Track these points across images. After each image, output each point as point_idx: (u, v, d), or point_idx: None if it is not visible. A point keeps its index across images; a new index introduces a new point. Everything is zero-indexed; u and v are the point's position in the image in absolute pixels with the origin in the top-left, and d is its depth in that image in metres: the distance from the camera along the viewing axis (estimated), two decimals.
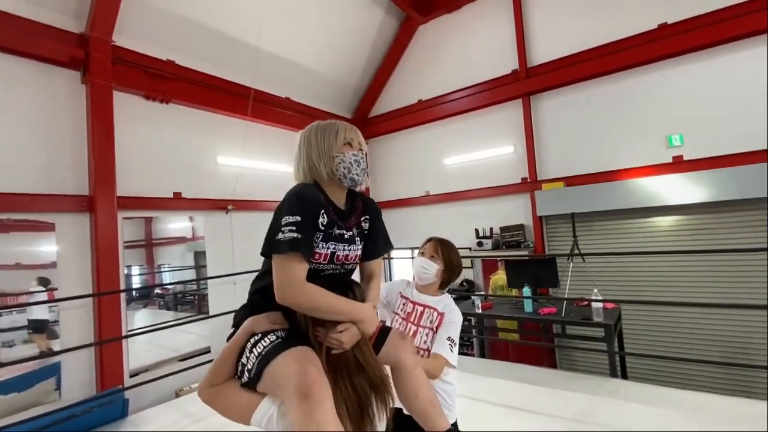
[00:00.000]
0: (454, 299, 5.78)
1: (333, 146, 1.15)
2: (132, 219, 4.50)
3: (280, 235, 0.99)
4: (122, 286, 4.25)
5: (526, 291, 4.04)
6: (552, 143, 5.49)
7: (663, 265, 4.62)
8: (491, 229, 5.84)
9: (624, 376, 4.00)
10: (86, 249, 4.03)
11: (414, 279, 1.77)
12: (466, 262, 6.14)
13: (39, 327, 3.76)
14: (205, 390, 1.03)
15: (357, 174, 1.14)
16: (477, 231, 5.88)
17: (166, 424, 2.98)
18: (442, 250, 1.73)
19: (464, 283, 6.12)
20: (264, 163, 5.95)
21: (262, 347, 0.99)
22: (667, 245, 4.58)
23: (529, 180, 5.59)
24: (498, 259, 5.37)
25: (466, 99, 6.15)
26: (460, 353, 5.69)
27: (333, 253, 1.12)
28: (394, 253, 7.35)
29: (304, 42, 5.96)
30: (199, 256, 5.22)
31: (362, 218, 1.24)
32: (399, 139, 7.24)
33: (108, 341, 3.90)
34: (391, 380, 1.11)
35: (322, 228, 1.09)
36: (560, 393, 3.05)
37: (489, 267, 5.83)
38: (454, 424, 1.57)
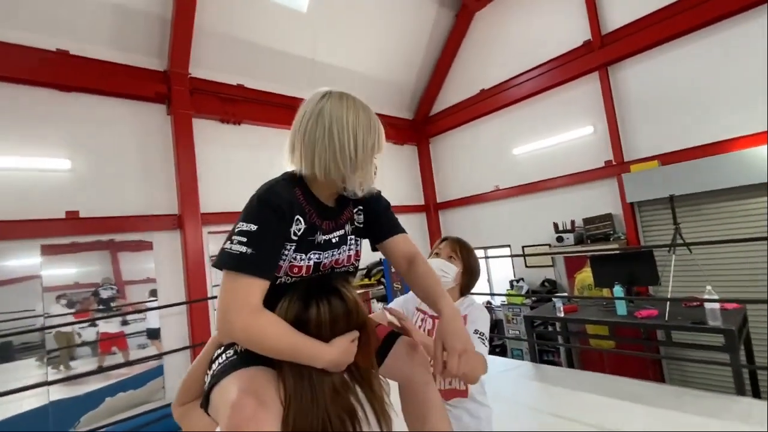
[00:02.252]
0: (535, 301, 5.32)
1: (370, 154, 0.92)
2: (217, 233, 4.94)
3: (228, 245, 0.80)
4: (210, 295, 4.67)
5: (617, 291, 3.50)
6: (639, 117, 4.73)
7: None
8: (572, 221, 5.24)
9: (756, 395, 3.23)
10: (179, 262, 4.50)
11: None
12: (546, 260, 5.61)
13: (153, 333, 4.30)
14: (176, 408, 0.92)
15: (367, 188, 0.95)
16: (556, 225, 5.32)
17: None
18: (461, 249, 1.50)
19: (545, 283, 5.59)
20: None
21: (218, 364, 0.84)
22: None
23: (614, 162, 4.89)
24: (583, 255, 4.78)
25: (533, 81, 5.63)
26: (543, 361, 5.21)
27: (318, 264, 0.92)
28: None
29: (358, 49, 6.02)
30: None
31: (355, 210, 1.03)
32: (462, 134, 6.92)
33: (198, 345, 4.30)
34: (388, 402, 0.90)
35: (296, 237, 0.87)
36: (667, 413, 2.54)
37: (574, 265, 5.23)
38: None
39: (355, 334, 0.88)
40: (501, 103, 6.06)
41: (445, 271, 1.44)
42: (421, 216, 7.48)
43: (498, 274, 6.60)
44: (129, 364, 3.97)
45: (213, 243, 4.86)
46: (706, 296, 2.94)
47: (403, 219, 5.23)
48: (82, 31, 4.01)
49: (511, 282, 6.05)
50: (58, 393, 3.61)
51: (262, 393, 0.73)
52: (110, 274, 4.11)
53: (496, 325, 5.95)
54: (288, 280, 0.90)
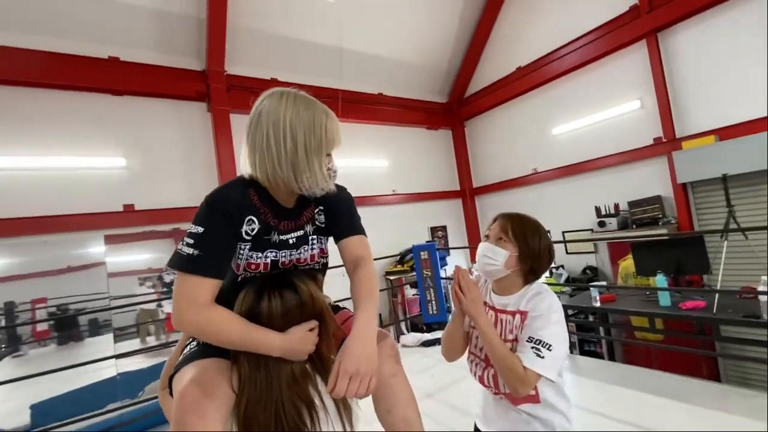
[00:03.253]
0: (574, 289, 5.07)
1: (316, 155, 0.89)
2: None
3: (179, 246, 0.85)
4: None
5: (660, 280, 3.25)
6: (693, 88, 4.26)
7: None
8: (616, 205, 4.89)
9: None
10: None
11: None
12: (588, 246, 5.32)
13: None
14: (159, 391, 0.96)
15: (322, 189, 0.93)
16: (598, 209, 5.00)
17: None
18: (514, 228, 1.21)
19: (587, 271, 5.31)
20: (362, 160, 6.18)
21: (182, 354, 0.89)
22: None
23: (664, 139, 4.46)
24: (627, 241, 4.47)
25: (573, 54, 5.24)
26: (584, 352, 5.00)
27: (275, 261, 0.94)
28: None
29: (387, 34, 5.95)
30: None
31: (316, 210, 1.03)
32: (497, 115, 6.64)
33: None
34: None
35: (249, 237, 0.90)
36: (707, 412, 2.38)
37: (617, 251, 4.91)
38: None
39: (313, 323, 0.90)
40: (539, 80, 5.72)
41: (491, 257, 1.20)
42: (457, 202, 7.36)
43: None
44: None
45: None
46: (762, 287, 2.66)
47: (437, 206, 5.28)
48: (129, 38, 4.35)
49: (550, 269, 5.81)
50: (126, 366, 4.10)
51: (209, 383, 0.77)
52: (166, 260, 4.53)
53: None
54: (248, 275, 0.93)
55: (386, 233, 6.32)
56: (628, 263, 4.17)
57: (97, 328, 4.10)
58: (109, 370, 3.98)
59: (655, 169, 4.61)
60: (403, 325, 5.63)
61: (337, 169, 0.98)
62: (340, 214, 1.07)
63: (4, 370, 3.55)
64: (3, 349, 3.69)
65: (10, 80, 3.72)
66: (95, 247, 4.11)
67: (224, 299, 0.89)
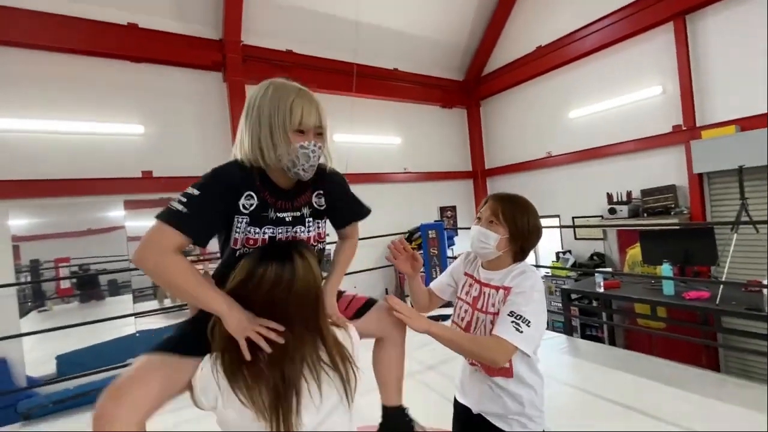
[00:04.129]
0: (580, 274, 5.13)
1: (281, 130, 0.93)
2: None
3: (172, 202, 0.89)
4: None
5: (665, 269, 3.27)
6: (719, 76, 4.12)
7: None
8: (629, 193, 4.85)
9: None
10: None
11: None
12: (597, 233, 5.31)
13: None
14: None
15: (303, 169, 0.96)
16: (610, 196, 4.97)
17: None
18: (504, 210, 1.23)
19: (594, 257, 5.33)
20: (375, 137, 6.17)
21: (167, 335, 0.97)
22: None
23: (684, 127, 4.36)
24: (636, 229, 4.46)
25: (596, 35, 5.07)
26: (585, 336, 5.08)
27: (272, 238, 0.99)
28: None
29: (405, 7, 5.80)
30: None
31: (314, 193, 1.08)
32: (515, 96, 6.52)
33: None
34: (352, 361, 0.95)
35: (247, 211, 0.95)
36: (705, 401, 2.44)
37: (626, 239, 4.91)
38: None
39: (269, 324, 0.87)
40: (559, 60, 5.57)
41: (483, 240, 1.24)
42: (468, 183, 7.34)
43: (545, 245, 6.39)
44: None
45: None
46: (766, 281, 2.67)
47: (448, 186, 5.32)
48: (147, 5, 4.35)
49: (557, 254, 5.84)
50: (145, 324, 4.33)
51: (137, 386, 0.84)
52: None
53: None
54: (246, 251, 0.97)
55: (396, 211, 6.38)
56: (635, 251, 4.17)
57: (117, 289, 4.31)
58: (128, 327, 4.22)
59: (671, 158, 4.53)
60: (408, 300, 5.77)
61: (316, 148, 0.97)
62: (341, 204, 1.16)
63: (30, 323, 3.79)
64: (29, 304, 3.93)
65: (30, 43, 3.78)
66: (115, 212, 4.26)
67: (222, 275, 0.96)
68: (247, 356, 0.84)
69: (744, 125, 3.87)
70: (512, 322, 1.11)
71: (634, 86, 4.84)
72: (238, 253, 0.97)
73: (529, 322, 1.11)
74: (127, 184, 4.30)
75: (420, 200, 6.67)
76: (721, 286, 2.99)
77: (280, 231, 1.00)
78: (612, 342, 4.40)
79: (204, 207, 0.90)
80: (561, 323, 5.46)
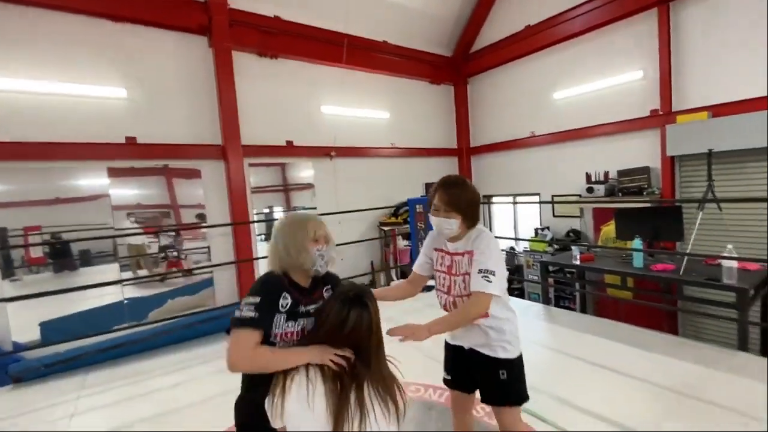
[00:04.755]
0: (557, 249, 5.46)
1: (303, 242, 1.28)
2: (266, 166, 5.32)
3: (240, 312, 1.19)
4: (251, 219, 5.15)
5: (636, 243, 3.54)
6: (696, 63, 4.34)
7: None
8: (606, 173, 5.11)
9: (765, 354, 3.32)
10: (223, 190, 4.93)
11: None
12: (574, 211, 5.59)
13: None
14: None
15: (320, 266, 1.31)
16: (588, 176, 5.22)
17: None
18: (452, 200, 1.50)
19: (570, 234, 5.62)
20: (363, 111, 6.15)
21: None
22: None
23: (661, 112, 4.60)
24: (610, 207, 4.74)
25: (584, 17, 5.18)
26: (559, 306, 5.43)
27: (303, 329, 1.28)
28: (495, 200, 7.08)
29: None
30: None
31: (325, 288, 1.38)
32: (502, 74, 6.60)
33: (242, 261, 4.88)
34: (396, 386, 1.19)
35: (284, 309, 1.25)
36: (664, 360, 2.74)
37: (602, 217, 5.20)
38: (519, 357, 1.58)
39: (347, 352, 1.17)
40: (547, 41, 5.67)
41: (447, 227, 1.52)
42: (453, 160, 7.47)
43: (525, 221, 6.67)
44: (177, 272, 4.62)
45: (254, 175, 5.24)
46: (725, 254, 2.95)
47: (434, 162, 5.45)
48: None
49: (535, 230, 6.13)
50: (131, 293, 4.32)
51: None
52: (167, 198, 4.60)
53: (517, 270, 6.17)
54: (282, 345, 1.25)
55: (382, 185, 6.46)
56: (609, 228, 4.45)
57: (89, 259, 4.20)
58: (115, 295, 4.21)
59: (647, 141, 4.78)
60: (393, 273, 5.95)
61: (329, 255, 1.34)
62: None
63: (4, 289, 3.70)
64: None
65: None
66: (98, 179, 4.14)
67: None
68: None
69: (715, 111, 4.13)
70: (482, 277, 1.44)
71: (616, 70, 5.01)
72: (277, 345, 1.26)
73: (494, 272, 1.44)
74: (110, 150, 4.17)
75: (406, 175, 6.76)
76: (685, 259, 3.27)
77: (308, 322, 1.30)
78: (583, 310, 4.73)
79: (265, 306, 1.20)
80: (536, 294, 5.80)
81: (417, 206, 4.85)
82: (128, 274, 4.35)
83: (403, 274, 5.99)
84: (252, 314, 1.16)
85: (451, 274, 1.57)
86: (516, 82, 6.38)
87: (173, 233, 4.67)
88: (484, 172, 7.23)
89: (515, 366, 1.55)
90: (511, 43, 6.20)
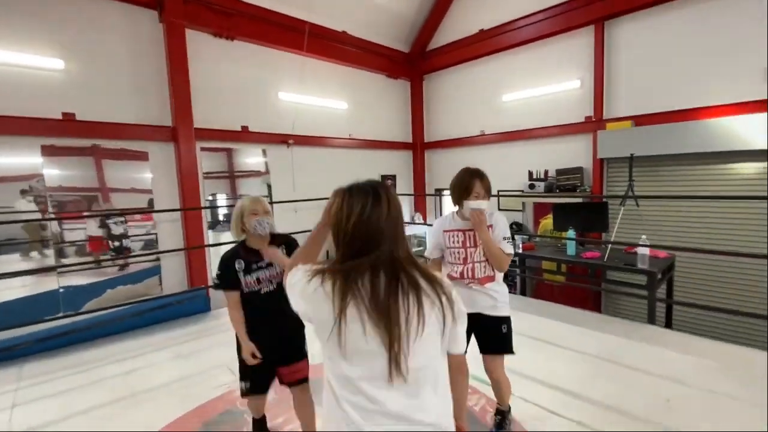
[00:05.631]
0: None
1: (247, 215, 1.75)
2: (213, 151, 5.11)
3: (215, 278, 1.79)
4: (202, 205, 4.97)
5: (570, 234, 4.00)
6: (624, 77, 4.93)
7: (732, 213, 4.23)
8: (546, 171, 5.62)
9: (669, 325, 3.93)
10: (173, 175, 4.71)
11: (455, 214, 1.92)
12: (517, 205, 6.07)
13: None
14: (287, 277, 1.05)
15: (260, 230, 1.74)
16: (531, 173, 5.70)
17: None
18: (488, 187, 1.87)
19: (513, 226, 6.11)
20: (321, 100, 6.15)
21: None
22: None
23: (594, 119, 5.16)
24: (548, 202, 5.24)
25: (532, 27, 5.62)
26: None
27: (258, 278, 1.77)
28: (446, 193, 7.44)
29: None
30: (270, 188, 5.79)
31: (279, 248, 1.79)
32: (456, 74, 6.93)
33: (192, 248, 4.71)
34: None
35: (240, 269, 1.75)
36: (592, 333, 3.15)
37: (540, 211, 5.72)
38: (509, 317, 1.93)
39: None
40: (498, 46, 6.05)
41: (486, 207, 1.85)
42: (408, 154, 7.71)
43: None
44: (118, 258, 4.37)
45: (206, 160, 5.05)
46: (640, 243, 3.45)
47: (390, 155, 5.63)
48: None
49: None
50: (63, 281, 4.00)
51: None
52: (95, 180, 4.25)
53: None
54: (247, 290, 1.76)
55: (339, 176, 6.40)
56: (547, 221, 4.94)
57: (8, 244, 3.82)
58: (50, 282, 3.89)
59: (582, 144, 5.34)
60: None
61: (265, 222, 1.75)
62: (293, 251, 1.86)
63: None
64: None
65: None
66: (30, 157, 3.78)
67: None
68: None
69: (637, 121, 4.73)
70: (508, 242, 1.86)
71: (558, 78, 5.51)
72: (244, 291, 1.77)
73: (512, 237, 1.92)
74: (43, 126, 3.82)
75: (363, 167, 6.87)
76: (609, 247, 3.77)
77: (262, 274, 1.77)
78: (523, 293, 5.22)
79: (224, 275, 1.77)
80: None
81: None
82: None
83: None
84: (217, 281, 1.78)
85: (466, 247, 1.87)
86: (469, 82, 6.73)
87: (119, 219, 4.39)
88: (436, 167, 7.56)
89: (510, 321, 1.93)
90: (466, 44, 6.52)
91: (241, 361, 1.81)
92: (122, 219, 4.38)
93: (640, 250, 3.39)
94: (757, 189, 4.07)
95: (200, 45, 4.85)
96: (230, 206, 5.49)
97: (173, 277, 4.76)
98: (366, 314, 0.76)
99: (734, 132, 4.04)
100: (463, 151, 6.96)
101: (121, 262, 4.42)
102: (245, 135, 5.35)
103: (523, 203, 5.98)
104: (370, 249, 0.82)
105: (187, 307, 3.90)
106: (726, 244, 4.23)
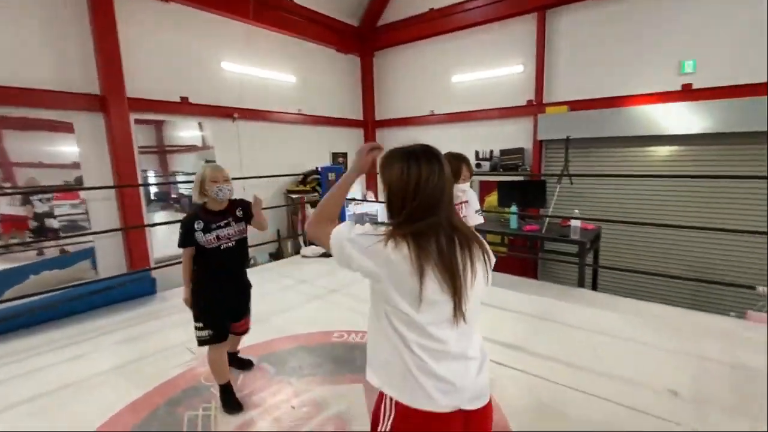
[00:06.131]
0: None
1: (209, 182, 1.95)
2: (144, 123, 4.69)
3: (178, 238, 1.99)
4: (140, 182, 4.61)
5: (513, 209, 4.33)
6: (562, 65, 5.33)
7: (648, 190, 4.87)
8: (491, 151, 5.95)
9: (594, 288, 4.46)
10: (104, 149, 4.29)
11: None
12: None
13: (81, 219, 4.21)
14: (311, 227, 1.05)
15: (220, 196, 1.96)
16: (477, 153, 6.00)
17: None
18: (468, 168, 2.34)
19: None
20: (268, 72, 5.88)
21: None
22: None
23: (534, 103, 5.54)
24: (495, 180, 5.58)
25: (479, 10, 5.79)
26: None
27: (218, 235, 1.98)
28: None
29: None
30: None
31: (236, 209, 2.06)
32: (407, 52, 6.97)
33: (131, 228, 4.38)
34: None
35: (199, 229, 1.95)
36: (530, 297, 3.49)
37: (486, 188, 6.08)
38: None
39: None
40: (448, 26, 6.17)
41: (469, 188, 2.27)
42: (359, 132, 7.69)
43: None
44: (50, 239, 3.97)
45: (141, 132, 4.65)
46: (573, 216, 3.84)
47: (340, 132, 5.67)
48: None
49: None
50: None
51: None
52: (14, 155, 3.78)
53: None
54: (208, 246, 1.96)
55: (290, 153, 6.35)
56: (493, 198, 5.28)
57: None
58: None
59: (523, 126, 5.71)
60: (300, 240, 6.00)
61: (226, 189, 1.99)
62: (249, 212, 2.12)
63: None
64: None
65: None
66: None
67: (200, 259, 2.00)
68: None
69: (572, 106, 5.16)
70: (479, 213, 2.31)
71: (504, 62, 5.79)
72: (205, 247, 1.97)
73: (481, 209, 2.36)
74: None
75: (313, 143, 6.75)
76: (546, 221, 4.15)
77: (220, 232, 1.98)
78: None
79: (185, 235, 1.97)
80: None
81: (329, 174, 4.96)
82: None
83: (311, 242, 6.10)
84: (179, 239, 1.97)
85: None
86: (419, 61, 6.81)
87: (44, 196, 3.93)
88: (387, 145, 7.44)
89: None
90: (416, 23, 6.55)
91: (203, 311, 1.97)
92: (48, 196, 3.94)
93: (574, 223, 3.79)
94: (669, 169, 4.70)
95: (133, 5, 4.38)
96: (167, 184, 5.15)
97: (109, 260, 4.41)
98: (437, 270, 0.87)
99: (652, 119, 4.58)
100: (413, 131, 7.09)
101: (51, 244, 4.00)
102: (185, 107, 4.99)
103: (471, 181, 6.29)
104: (433, 212, 0.90)
105: (131, 289, 3.65)
106: (643, 216, 4.87)
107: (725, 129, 4.22)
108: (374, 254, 0.89)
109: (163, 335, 2.81)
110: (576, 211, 3.92)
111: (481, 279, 0.96)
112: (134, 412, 1.95)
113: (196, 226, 1.94)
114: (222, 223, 2.00)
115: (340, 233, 0.95)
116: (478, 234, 0.99)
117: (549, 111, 5.28)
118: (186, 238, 1.96)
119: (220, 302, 2.00)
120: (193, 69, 5.06)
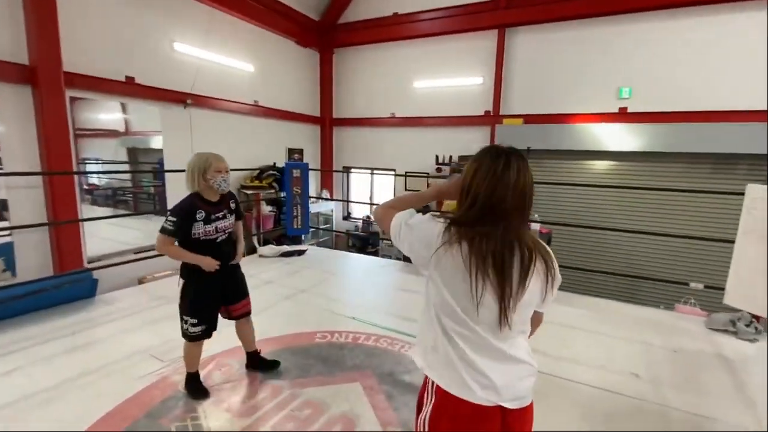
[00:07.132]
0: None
1: (213, 171, 1.89)
2: (87, 101, 4.11)
3: (163, 225, 1.81)
4: (75, 170, 4.04)
5: None
6: (518, 80, 5.73)
7: (590, 199, 5.45)
8: (450, 156, 6.18)
9: None
10: (32, 129, 3.70)
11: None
12: (424, 186, 6.54)
13: None
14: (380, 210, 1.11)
15: (223, 187, 1.93)
16: (437, 157, 6.20)
17: (134, 304, 3.14)
18: None
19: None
20: (225, 58, 5.52)
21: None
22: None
23: (492, 113, 5.87)
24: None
25: (443, 20, 6.02)
26: (408, 261, 6.19)
27: (216, 227, 1.93)
28: (354, 171, 7.55)
29: None
30: (136, 153, 4.91)
31: (230, 201, 2.05)
32: (369, 53, 6.99)
33: (62, 222, 3.82)
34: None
35: (200, 219, 1.87)
36: None
37: None
38: None
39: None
40: (411, 32, 6.31)
41: None
42: (315, 128, 7.51)
43: (380, 193, 7.39)
44: None
45: (80, 112, 4.08)
46: (532, 221, 4.15)
47: (297, 128, 5.61)
48: None
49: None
50: None
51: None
52: None
53: (373, 234, 6.85)
54: (204, 238, 1.89)
55: (245, 145, 6.01)
56: (452, 201, 5.49)
57: None
58: None
59: (481, 134, 6.03)
60: (255, 240, 5.70)
61: (225, 180, 1.94)
62: (238, 208, 2.14)
63: None
64: None
65: None
66: None
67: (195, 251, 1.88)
68: None
69: (527, 119, 5.58)
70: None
71: (464, 72, 6.06)
72: (201, 239, 1.90)
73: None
74: None
75: (268, 138, 6.46)
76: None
77: (218, 224, 1.93)
78: None
79: (181, 224, 1.83)
80: (389, 255, 6.59)
81: (294, 171, 4.78)
82: None
83: (266, 241, 5.83)
84: (171, 228, 1.80)
85: None
86: (382, 63, 6.86)
87: None
88: (345, 144, 7.57)
89: None
90: (380, 25, 6.60)
91: (197, 307, 1.90)
92: None
93: (534, 226, 4.09)
94: (606, 180, 5.28)
95: None
96: (114, 173, 4.57)
97: (31, 259, 3.80)
98: (488, 272, 0.86)
99: (593, 136, 5.12)
100: (373, 132, 7.11)
101: None
102: (131, 87, 4.50)
103: (428, 183, 6.47)
104: (502, 218, 0.88)
105: (67, 292, 3.17)
106: (590, 220, 5.41)
107: (653, 149, 4.86)
108: (430, 243, 0.91)
109: (119, 342, 2.49)
110: (535, 215, 4.23)
111: (536, 296, 0.94)
112: (110, 426, 1.71)
113: (198, 215, 1.84)
114: (220, 215, 1.95)
115: (401, 217, 1.02)
116: (550, 252, 0.96)
117: (506, 122, 5.64)
118: (182, 227, 1.81)
119: (215, 297, 1.96)
120: (141, 47, 4.57)
